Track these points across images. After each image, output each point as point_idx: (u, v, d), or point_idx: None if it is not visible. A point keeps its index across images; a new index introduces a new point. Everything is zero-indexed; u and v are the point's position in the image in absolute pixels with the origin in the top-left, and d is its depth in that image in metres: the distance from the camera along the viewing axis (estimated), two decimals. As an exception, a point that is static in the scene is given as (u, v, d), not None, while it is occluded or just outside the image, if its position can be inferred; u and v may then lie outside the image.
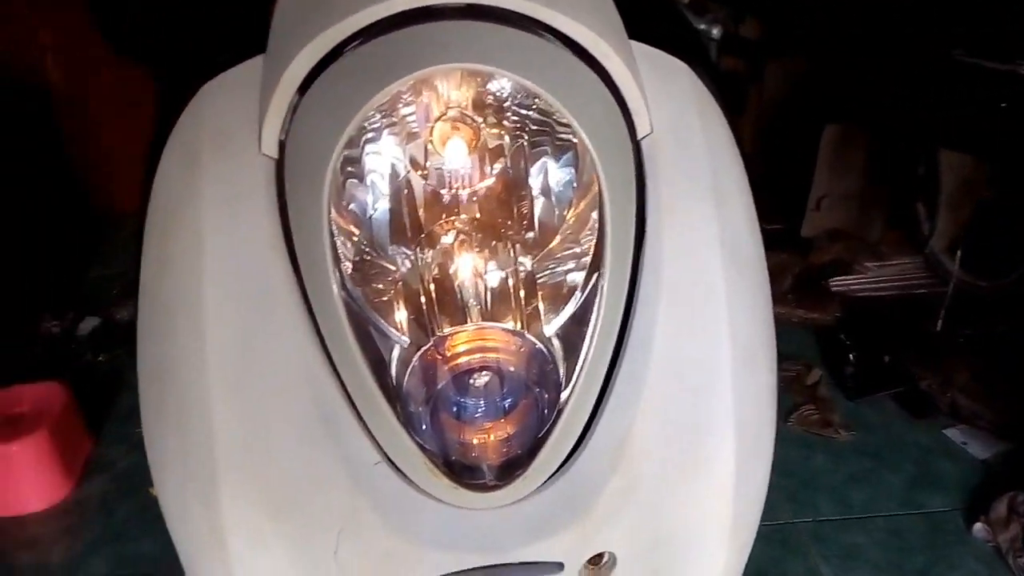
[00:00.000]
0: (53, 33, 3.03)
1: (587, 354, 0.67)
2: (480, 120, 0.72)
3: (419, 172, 0.73)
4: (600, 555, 0.73)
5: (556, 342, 0.70)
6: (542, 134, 0.71)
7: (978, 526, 1.87)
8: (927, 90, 2.38)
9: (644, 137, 0.73)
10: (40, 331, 2.60)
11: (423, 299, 0.70)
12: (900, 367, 2.34)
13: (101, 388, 2.35)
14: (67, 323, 2.64)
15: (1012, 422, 2.13)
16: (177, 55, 0.89)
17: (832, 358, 2.41)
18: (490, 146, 0.73)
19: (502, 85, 0.70)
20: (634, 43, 0.75)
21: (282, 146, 0.69)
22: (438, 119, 0.72)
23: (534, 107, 0.70)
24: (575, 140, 0.68)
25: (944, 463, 2.08)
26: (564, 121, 0.67)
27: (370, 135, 0.69)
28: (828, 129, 2.59)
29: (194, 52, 0.81)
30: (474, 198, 0.74)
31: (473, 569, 0.69)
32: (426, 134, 0.72)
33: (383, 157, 0.72)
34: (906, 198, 2.68)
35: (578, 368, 0.67)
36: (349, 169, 0.69)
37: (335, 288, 0.63)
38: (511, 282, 0.71)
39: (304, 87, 0.68)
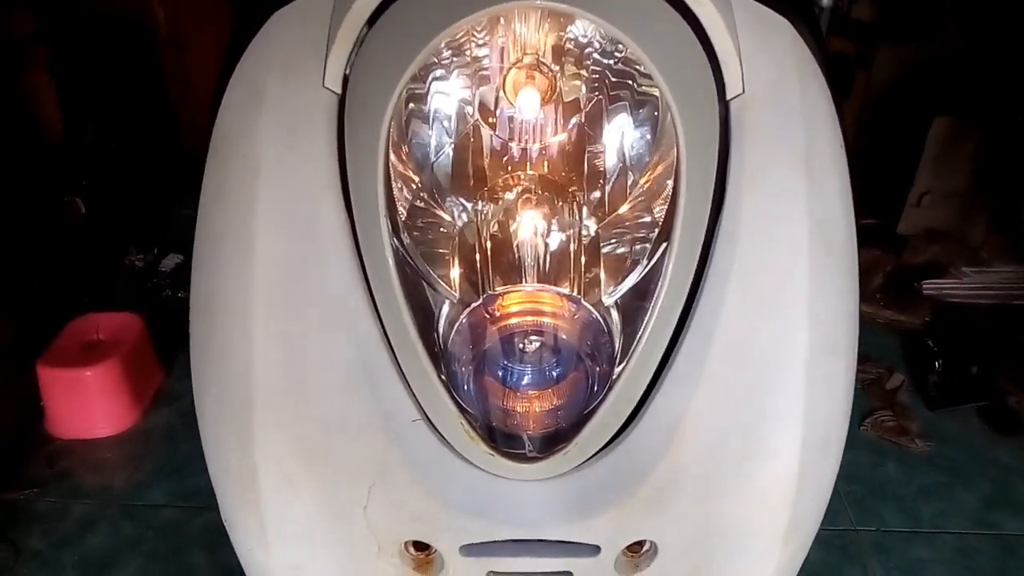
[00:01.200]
0: (160, -26, 3.09)
1: (647, 328, 0.62)
2: (557, 69, 0.67)
3: (488, 120, 0.69)
4: (640, 543, 0.69)
5: (614, 313, 0.66)
6: (623, 87, 0.65)
7: (1057, 556, 1.76)
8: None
9: (735, 97, 0.67)
10: (125, 263, 2.68)
11: (478, 255, 0.66)
12: (988, 379, 2.20)
13: (177, 323, 2.39)
14: (151, 258, 2.70)
15: (1101, 448, 1.99)
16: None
17: (917, 364, 2.29)
18: (566, 99, 0.68)
19: (583, 30, 0.65)
20: (734, -7, 0.68)
21: (346, 81, 0.66)
22: (513, 65, 0.68)
23: (617, 57, 0.65)
24: (657, 96, 0.63)
25: (1024, 485, 1.96)
26: (647, 73, 0.62)
27: (438, 72, 0.65)
28: (937, 121, 2.43)
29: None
30: (544, 153, 0.70)
31: (504, 542, 0.66)
32: (499, 80, 0.68)
33: (451, 99, 0.68)
34: (1014, 202, 2.51)
35: (635, 342, 0.62)
36: (412, 106, 0.66)
37: (386, 234, 0.60)
38: (573, 246, 0.67)
39: (374, 19, 0.64)
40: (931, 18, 2.61)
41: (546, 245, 0.67)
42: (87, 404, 1.99)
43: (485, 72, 0.68)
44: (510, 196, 0.68)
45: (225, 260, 0.68)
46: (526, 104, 0.67)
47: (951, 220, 2.61)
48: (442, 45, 0.62)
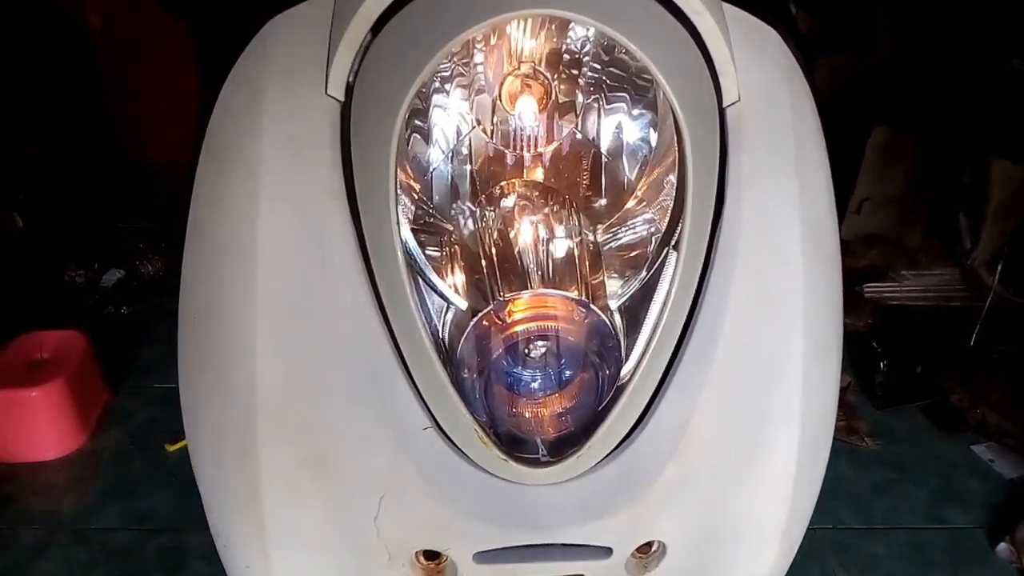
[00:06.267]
0: (95, -20, 3.01)
1: (655, 330, 0.63)
2: (553, 77, 0.68)
3: (486, 128, 0.69)
4: (649, 544, 0.70)
5: (618, 316, 0.67)
6: (619, 90, 0.67)
7: (1002, 546, 1.82)
8: (981, 96, 2.32)
9: (730, 105, 0.69)
10: (65, 279, 2.59)
11: (484, 262, 0.66)
12: (931, 379, 2.28)
13: (122, 341, 2.33)
14: (92, 273, 2.62)
15: (1042, 442, 2.08)
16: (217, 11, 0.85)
17: (862, 365, 2.36)
18: (562, 106, 0.69)
19: (579, 35, 0.66)
20: (725, 4, 0.70)
21: (350, 88, 0.66)
22: (509, 74, 0.68)
23: (611, 62, 0.66)
24: (656, 100, 0.64)
25: (970, 479, 2.03)
26: (645, 79, 0.63)
27: (435, 83, 0.65)
28: (876, 130, 2.52)
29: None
30: (542, 160, 0.70)
31: (517, 547, 0.66)
32: (495, 89, 0.69)
33: (449, 109, 0.68)
34: (948, 208, 2.61)
35: (643, 344, 0.63)
36: (416, 122, 0.66)
37: (398, 243, 0.60)
38: (576, 250, 0.67)
39: (377, 27, 0.64)
40: (865, 33, 2.71)
41: (549, 250, 0.67)
42: (32, 426, 1.91)
43: (482, 82, 0.68)
44: (512, 202, 0.69)
45: (225, 271, 0.66)
46: (524, 112, 0.68)
47: (889, 225, 2.70)
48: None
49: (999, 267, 2.38)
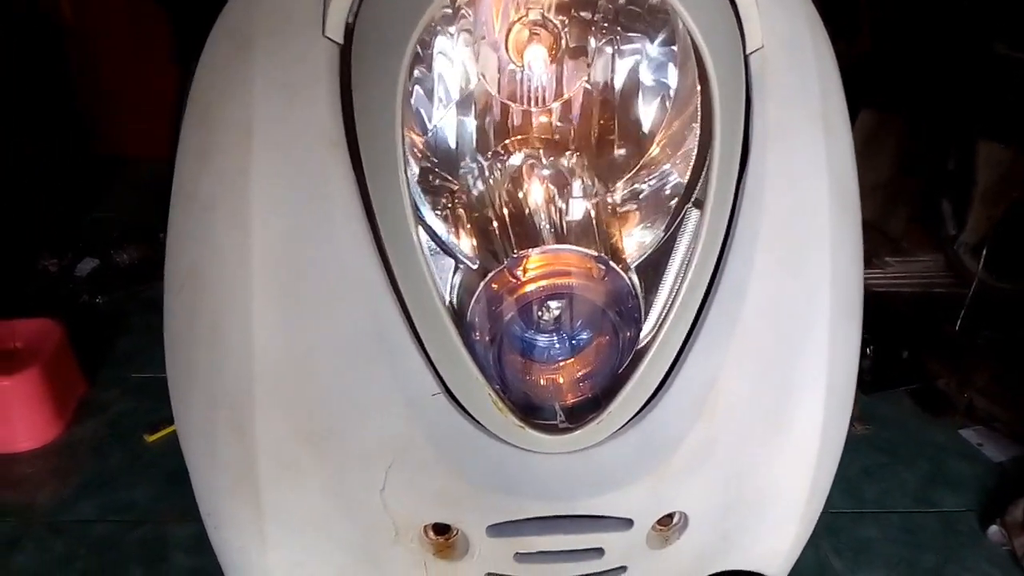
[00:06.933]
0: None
1: (677, 290, 0.59)
2: (563, 22, 0.64)
3: (492, 80, 0.65)
4: (671, 515, 0.66)
5: (636, 276, 0.63)
6: (634, 31, 0.63)
7: (993, 529, 1.82)
8: (967, 81, 2.32)
9: (754, 51, 0.65)
10: (37, 268, 2.52)
11: (494, 219, 0.62)
12: (918, 364, 2.28)
13: (98, 330, 2.28)
14: (65, 262, 2.56)
15: (1030, 426, 2.08)
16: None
17: (849, 350, 2.35)
18: (573, 54, 0.65)
19: None
20: (744, -54, 0.66)
21: (349, 30, 0.61)
22: (515, 22, 0.64)
23: (625, 7, 0.62)
24: (675, 42, 0.61)
25: (959, 463, 2.04)
26: (663, 14, 0.59)
27: (439, 27, 0.61)
28: (863, 114, 2.51)
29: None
30: (553, 111, 0.67)
31: (533, 519, 0.62)
32: (501, 39, 0.65)
33: (453, 59, 0.64)
34: (932, 194, 2.61)
35: (664, 305, 0.60)
36: (417, 73, 0.62)
37: (405, 191, 0.55)
38: (592, 209, 0.64)
39: (379, -37, 0.60)
40: (847, 18, 2.70)
41: (563, 207, 0.63)
42: (6, 416, 1.85)
43: (485, 30, 0.64)
44: (522, 159, 0.65)
45: (216, 229, 0.61)
46: (533, 63, 0.64)
47: (874, 212, 2.70)
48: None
49: (983, 253, 2.38)
